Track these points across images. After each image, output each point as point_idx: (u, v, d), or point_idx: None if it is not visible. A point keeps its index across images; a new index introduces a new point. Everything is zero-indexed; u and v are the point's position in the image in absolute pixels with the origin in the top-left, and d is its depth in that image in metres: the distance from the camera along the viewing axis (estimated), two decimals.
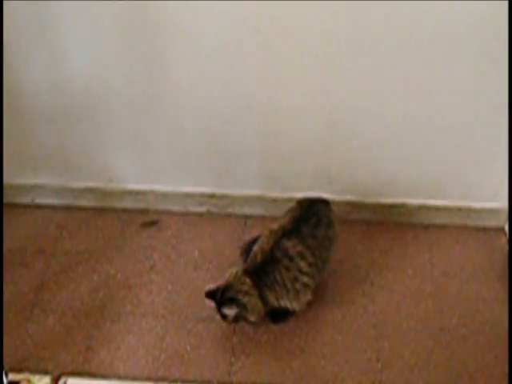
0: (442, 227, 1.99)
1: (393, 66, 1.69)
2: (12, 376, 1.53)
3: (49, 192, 2.04)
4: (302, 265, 1.61)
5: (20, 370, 1.55)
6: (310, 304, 1.68)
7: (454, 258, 1.90)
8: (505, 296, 1.77)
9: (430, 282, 1.82)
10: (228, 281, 1.59)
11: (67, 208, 2.05)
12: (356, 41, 1.65)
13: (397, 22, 1.61)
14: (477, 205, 1.96)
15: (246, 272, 1.60)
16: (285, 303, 1.63)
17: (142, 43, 1.71)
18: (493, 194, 1.93)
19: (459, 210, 1.97)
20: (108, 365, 1.59)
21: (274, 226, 1.66)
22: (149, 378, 1.56)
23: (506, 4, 1.55)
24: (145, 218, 2.03)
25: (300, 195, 1.77)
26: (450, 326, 1.70)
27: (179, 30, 1.67)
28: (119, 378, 1.56)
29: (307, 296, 1.66)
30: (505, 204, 1.91)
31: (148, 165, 1.98)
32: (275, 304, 1.62)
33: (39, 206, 2.05)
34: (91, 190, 2.03)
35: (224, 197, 2.01)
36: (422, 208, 1.98)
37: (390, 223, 2.00)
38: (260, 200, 2.00)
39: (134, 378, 1.56)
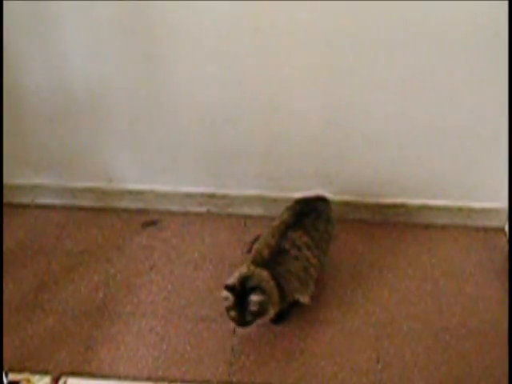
0: (442, 227, 1.99)
1: (393, 66, 1.69)
2: (12, 376, 1.53)
3: (49, 192, 2.04)
4: (309, 255, 1.62)
5: (20, 370, 1.56)
6: (310, 304, 1.68)
7: (454, 258, 1.90)
8: (505, 296, 1.77)
9: (430, 282, 1.82)
10: (246, 273, 1.53)
11: (67, 208, 2.05)
12: (356, 41, 1.65)
13: (397, 22, 1.61)
14: (477, 205, 1.96)
15: (259, 266, 1.56)
16: (297, 295, 1.63)
17: (141, 43, 1.71)
18: (493, 194, 1.93)
19: (459, 210, 1.97)
20: (108, 365, 1.59)
21: (275, 222, 1.67)
22: (149, 378, 1.56)
23: (505, 4, 1.55)
24: (145, 217, 2.03)
25: (300, 195, 1.77)
26: (450, 326, 1.70)
27: (179, 30, 1.67)
28: (119, 378, 1.56)
29: (313, 288, 1.66)
30: (505, 204, 1.91)
31: (148, 165, 1.97)
32: (289, 298, 1.61)
33: (39, 206, 2.05)
34: (91, 190, 2.03)
35: (224, 197, 2.01)
36: (422, 208, 1.98)
37: (390, 223, 2.00)
38: (260, 200, 2.00)
39: (134, 378, 1.56)
